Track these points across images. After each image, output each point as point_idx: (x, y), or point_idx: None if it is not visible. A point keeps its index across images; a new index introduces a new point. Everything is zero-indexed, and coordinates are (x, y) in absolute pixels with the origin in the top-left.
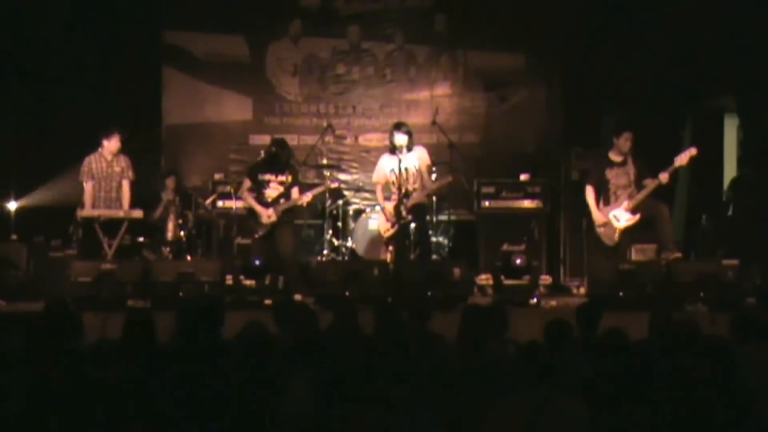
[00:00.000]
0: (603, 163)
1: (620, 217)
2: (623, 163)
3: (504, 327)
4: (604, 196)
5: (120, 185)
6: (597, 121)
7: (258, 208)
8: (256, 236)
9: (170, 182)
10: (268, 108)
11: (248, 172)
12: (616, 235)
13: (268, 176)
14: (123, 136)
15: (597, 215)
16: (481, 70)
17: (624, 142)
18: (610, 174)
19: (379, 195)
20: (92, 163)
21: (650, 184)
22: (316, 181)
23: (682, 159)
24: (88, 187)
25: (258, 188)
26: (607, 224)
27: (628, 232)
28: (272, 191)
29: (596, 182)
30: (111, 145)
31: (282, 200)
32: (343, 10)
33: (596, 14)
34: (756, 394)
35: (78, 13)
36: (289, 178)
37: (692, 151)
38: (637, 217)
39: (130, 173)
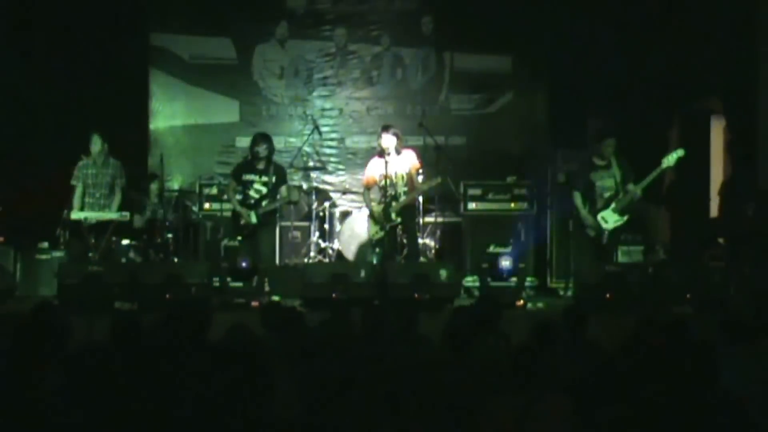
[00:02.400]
0: (588, 168)
1: (608, 218)
2: (608, 166)
3: (493, 325)
4: (591, 200)
5: (111, 191)
6: (583, 123)
7: (242, 210)
8: (240, 238)
9: (154, 187)
10: (255, 110)
11: (233, 173)
12: (605, 237)
13: (251, 177)
14: (102, 136)
15: (586, 217)
16: (468, 73)
17: (606, 148)
18: (596, 177)
19: (367, 198)
20: (83, 168)
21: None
22: (302, 183)
23: (669, 160)
24: (78, 190)
25: (243, 189)
26: (596, 226)
27: (616, 234)
28: (255, 193)
29: (583, 187)
30: (94, 147)
31: (264, 202)
32: (330, 13)
33: (583, 16)
34: (743, 396)
35: (64, 15)
36: (273, 178)
37: (679, 152)
38: (625, 218)
39: (123, 180)
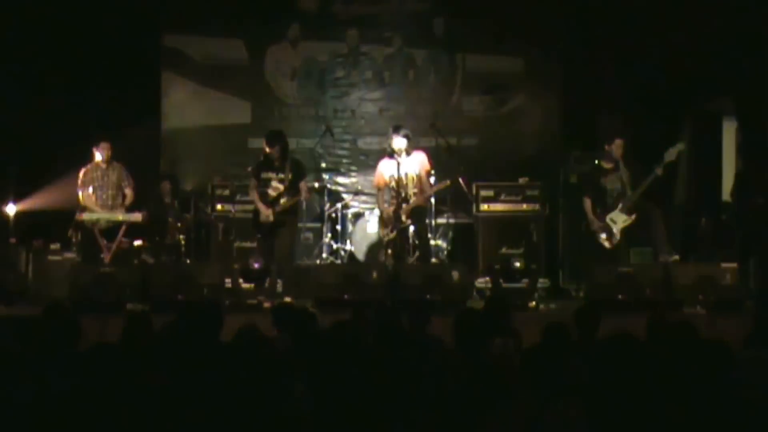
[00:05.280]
0: (597, 173)
1: (617, 219)
2: (615, 169)
3: (503, 327)
4: (602, 204)
5: (118, 193)
6: (595, 124)
7: (261, 206)
8: (259, 236)
9: (166, 186)
10: (267, 111)
11: (253, 171)
12: (616, 238)
13: (268, 175)
14: (111, 144)
15: (595, 223)
16: (480, 74)
17: (616, 149)
18: (606, 181)
19: (379, 199)
20: (88, 173)
21: (644, 183)
22: (315, 184)
23: (671, 154)
24: (85, 195)
25: (262, 187)
26: (606, 228)
27: (627, 235)
28: (272, 191)
29: (593, 193)
30: (101, 154)
31: (282, 199)
32: (342, 14)
33: (594, 17)
34: (756, 398)
35: (76, 15)
36: (290, 175)
37: (679, 147)
38: (634, 217)
39: (130, 180)
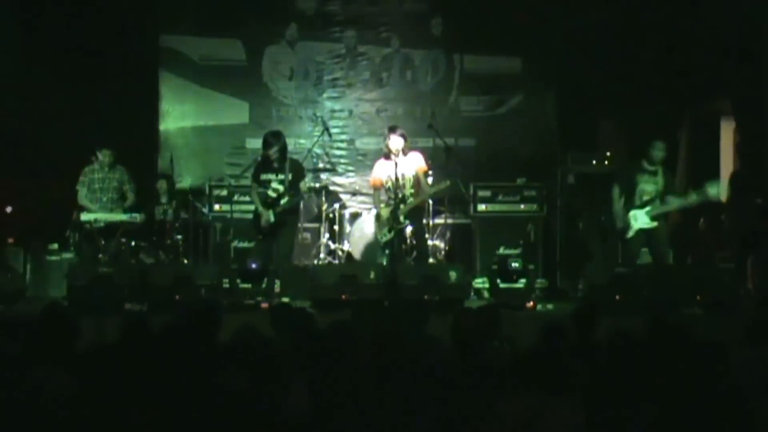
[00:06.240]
0: (634, 168)
1: (639, 218)
2: (654, 173)
3: (497, 329)
4: (629, 198)
5: (118, 195)
6: (593, 125)
7: (260, 209)
8: (261, 237)
9: (163, 186)
10: (265, 112)
11: (253, 174)
12: (630, 232)
13: (268, 176)
14: (112, 151)
15: (618, 210)
16: (478, 74)
17: (656, 152)
18: (640, 179)
19: (376, 199)
20: (89, 174)
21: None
22: (312, 183)
23: (711, 194)
24: (81, 193)
25: (262, 189)
26: (625, 221)
27: (641, 235)
28: (272, 192)
29: (624, 183)
30: (102, 159)
31: (283, 200)
32: (339, 14)
33: (592, 18)
34: (754, 399)
35: (74, 16)
36: (289, 176)
37: (717, 186)
38: (655, 225)
39: (132, 185)
